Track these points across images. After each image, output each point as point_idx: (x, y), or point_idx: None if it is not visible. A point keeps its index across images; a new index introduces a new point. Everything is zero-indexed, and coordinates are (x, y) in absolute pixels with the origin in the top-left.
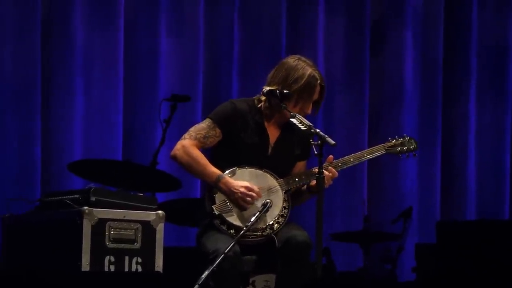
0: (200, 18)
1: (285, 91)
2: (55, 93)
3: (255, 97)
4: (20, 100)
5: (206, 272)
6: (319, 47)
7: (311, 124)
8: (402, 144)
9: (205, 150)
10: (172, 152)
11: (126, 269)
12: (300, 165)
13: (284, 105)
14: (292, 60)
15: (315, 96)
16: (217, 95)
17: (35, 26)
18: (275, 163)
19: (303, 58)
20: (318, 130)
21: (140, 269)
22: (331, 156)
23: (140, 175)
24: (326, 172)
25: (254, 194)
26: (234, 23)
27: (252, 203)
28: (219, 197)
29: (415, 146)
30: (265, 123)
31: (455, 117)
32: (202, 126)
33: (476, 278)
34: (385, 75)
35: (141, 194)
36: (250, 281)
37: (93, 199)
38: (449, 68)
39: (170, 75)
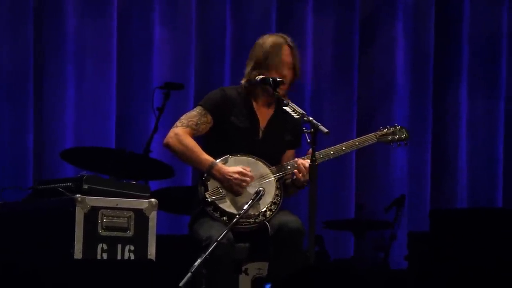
0: (193, 10)
1: (278, 79)
2: (48, 82)
3: (242, 82)
4: (12, 90)
5: (199, 260)
6: (308, 44)
7: (304, 112)
8: (393, 133)
9: (197, 139)
10: (165, 140)
11: (119, 257)
12: (290, 154)
13: (277, 93)
14: (260, 38)
15: (286, 57)
16: (209, 85)
17: (27, 15)
18: (266, 147)
19: (270, 34)
20: (311, 118)
21: (132, 257)
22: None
23: (133, 163)
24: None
25: (247, 179)
26: (226, 16)
27: (245, 188)
28: (211, 184)
29: (407, 135)
30: (255, 108)
31: (446, 108)
32: (194, 114)
33: (468, 267)
34: (375, 69)
35: (134, 182)
36: (243, 269)
37: (85, 187)
38: (441, 58)
39: (163, 64)
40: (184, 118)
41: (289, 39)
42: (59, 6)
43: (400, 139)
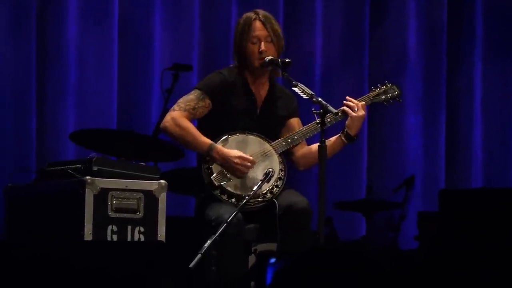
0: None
1: (287, 60)
2: (50, 66)
3: (231, 65)
4: (15, 73)
5: (209, 241)
6: (317, 23)
7: (313, 93)
8: (385, 92)
9: (192, 121)
10: (162, 124)
11: (129, 239)
12: (294, 123)
13: (285, 74)
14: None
15: (259, 32)
16: (214, 67)
17: (30, 9)
18: (264, 124)
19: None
20: (320, 99)
21: (142, 239)
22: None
23: (141, 144)
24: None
25: (248, 164)
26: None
27: (246, 173)
28: (216, 168)
29: (399, 92)
30: (251, 87)
31: (460, 85)
32: (191, 98)
33: (478, 246)
34: (386, 47)
35: (143, 164)
36: (253, 250)
37: (95, 168)
38: (454, 33)
39: (165, 47)
40: (181, 102)
41: (261, 14)
42: None
43: (393, 97)
